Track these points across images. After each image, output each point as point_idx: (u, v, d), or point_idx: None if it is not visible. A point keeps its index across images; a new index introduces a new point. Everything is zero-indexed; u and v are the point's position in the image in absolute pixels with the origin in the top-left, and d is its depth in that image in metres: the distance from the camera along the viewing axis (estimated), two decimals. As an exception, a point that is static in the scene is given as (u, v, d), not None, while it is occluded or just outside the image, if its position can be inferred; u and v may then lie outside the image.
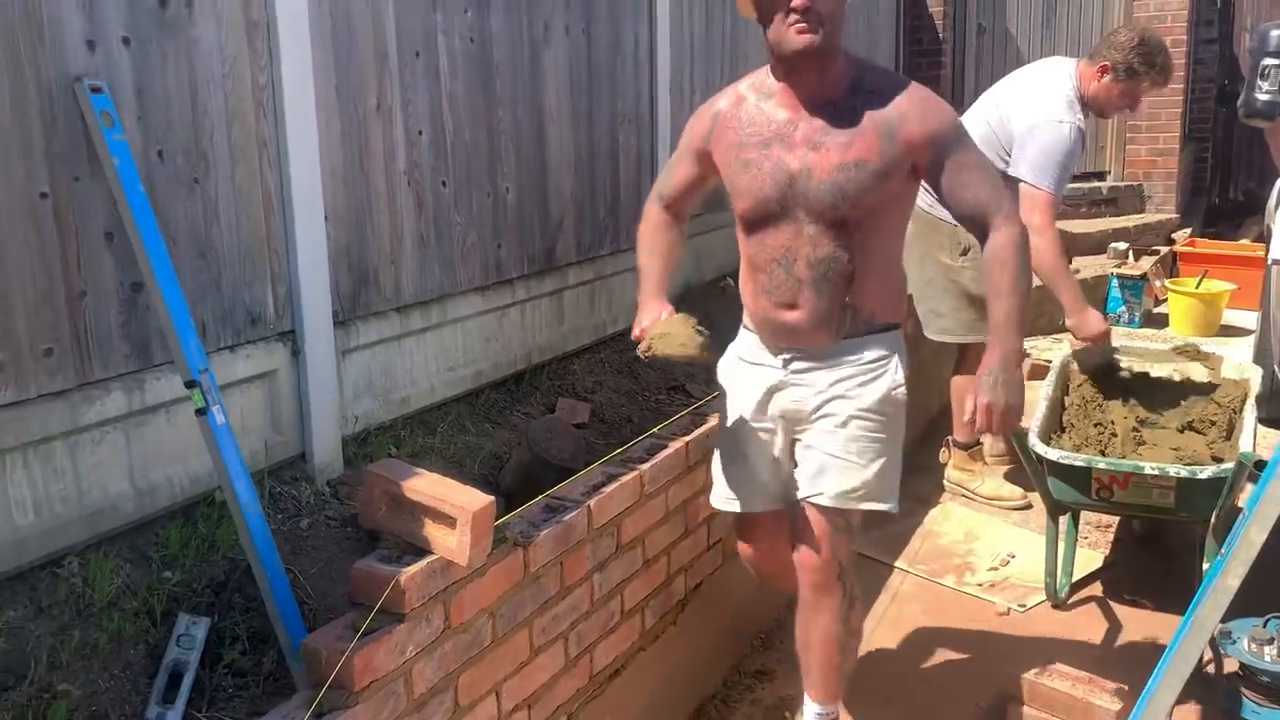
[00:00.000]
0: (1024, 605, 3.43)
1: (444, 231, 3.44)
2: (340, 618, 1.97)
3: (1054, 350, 6.18)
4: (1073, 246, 6.96)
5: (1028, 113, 3.79)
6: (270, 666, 2.37)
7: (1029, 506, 4.12)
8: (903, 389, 2.44)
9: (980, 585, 3.57)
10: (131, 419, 2.43)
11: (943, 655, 3.18)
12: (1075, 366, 3.93)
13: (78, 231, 2.28)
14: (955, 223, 3.90)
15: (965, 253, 3.96)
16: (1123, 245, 7.10)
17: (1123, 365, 3.92)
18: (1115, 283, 6.58)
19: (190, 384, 2.30)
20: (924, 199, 3.99)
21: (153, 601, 2.36)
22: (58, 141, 2.23)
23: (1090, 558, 3.68)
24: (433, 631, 1.98)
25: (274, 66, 2.71)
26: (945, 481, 4.32)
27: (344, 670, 1.79)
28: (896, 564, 3.73)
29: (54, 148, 2.22)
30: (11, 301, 2.17)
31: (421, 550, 2.00)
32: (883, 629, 3.33)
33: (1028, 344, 6.21)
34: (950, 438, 4.33)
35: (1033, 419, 3.44)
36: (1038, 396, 3.62)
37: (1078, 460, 3.16)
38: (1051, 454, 3.20)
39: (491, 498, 2.02)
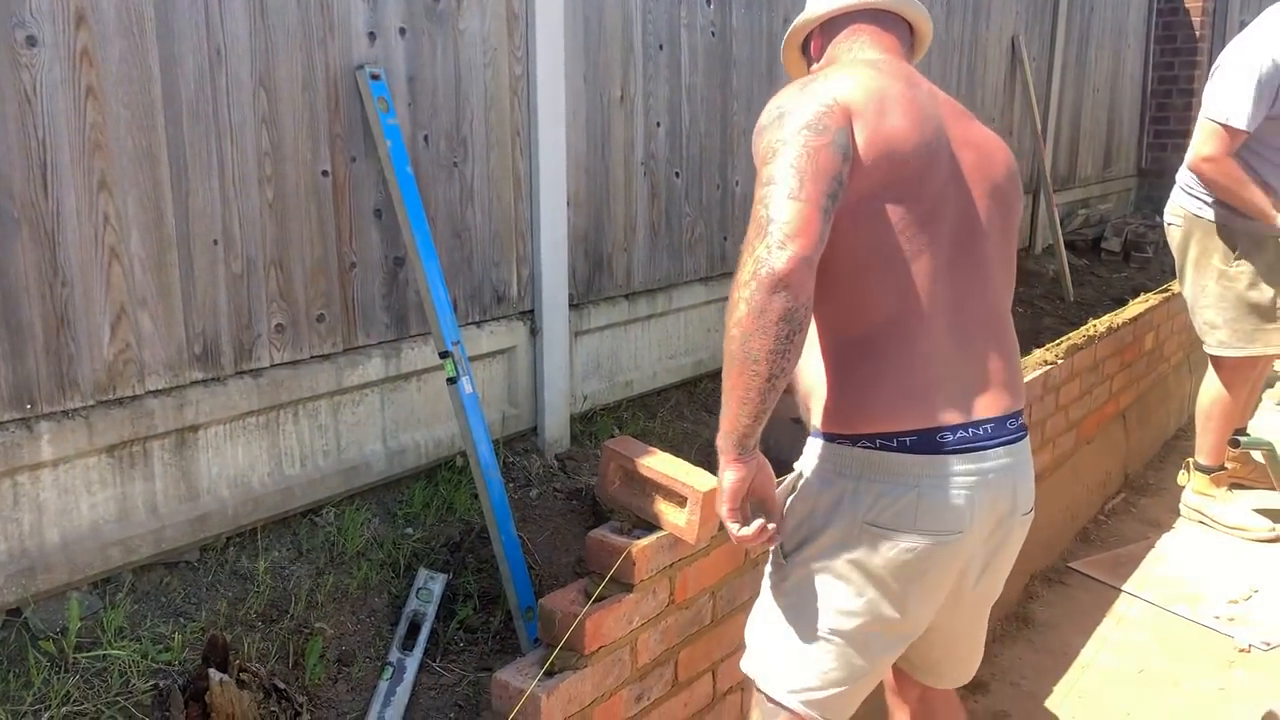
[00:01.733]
0: (1269, 644, 3.19)
1: (674, 222, 3.51)
2: (571, 584, 2.06)
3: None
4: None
5: (1223, 56, 3.61)
6: (497, 626, 2.50)
7: (1279, 539, 3.82)
8: (787, 529, 1.71)
9: (1218, 618, 3.35)
10: (387, 384, 2.62)
11: (1172, 688, 3.00)
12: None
13: (351, 208, 2.47)
14: (1228, 223, 3.71)
15: (1240, 257, 3.71)
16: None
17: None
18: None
19: (444, 354, 2.45)
20: (1190, 202, 3.77)
21: (396, 555, 2.54)
22: (339, 124, 2.42)
23: (1347, 600, 3.38)
24: (658, 604, 2.04)
25: (530, 57, 2.84)
26: (1182, 506, 4.06)
27: (576, 633, 1.87)
28: (1124, 588, 3.54)
29: (336, 129, 2.42)
30: (293, 269, 2.38)
31: (651, 525, 2.06)
32: (1106, 654, 3.17)
33: None
34: (1192, 459, 4.07)
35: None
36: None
37: (1342, 492, 2.92)
38: (1311, 483, 2.96)
39: (721, 481, 2.06)
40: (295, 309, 2.40)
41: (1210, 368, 3.94)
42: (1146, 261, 6.52)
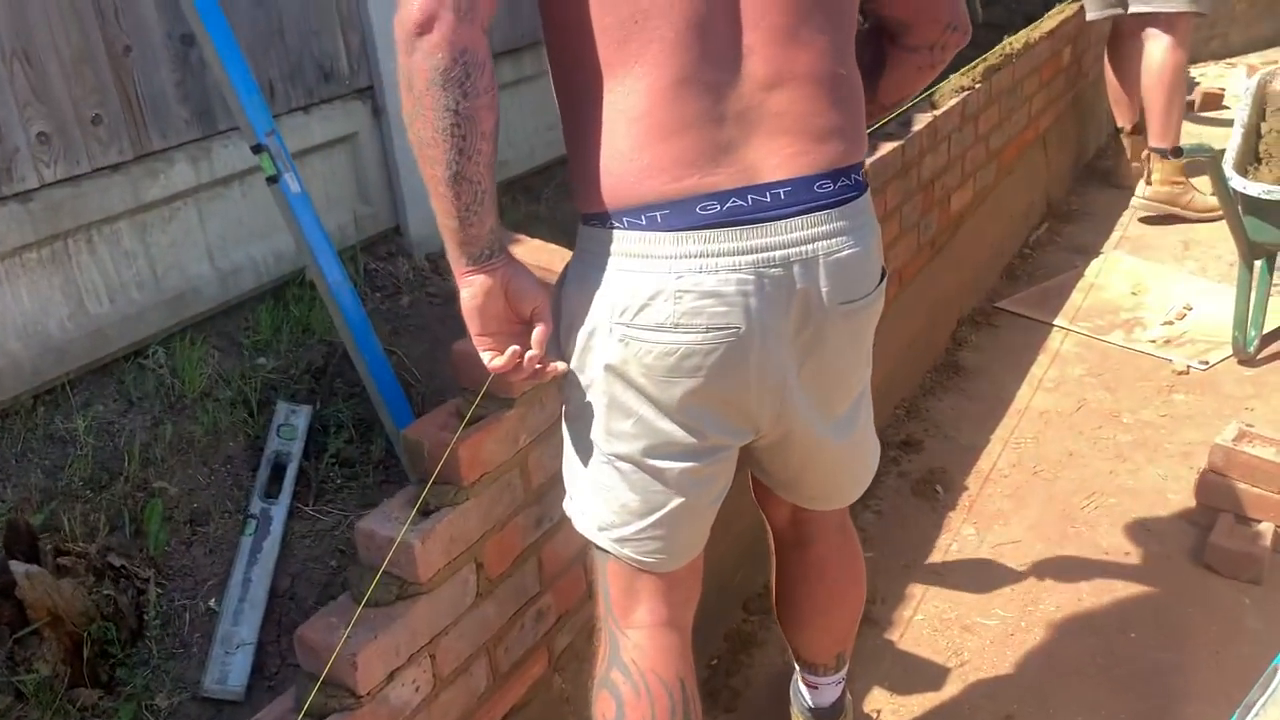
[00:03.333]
0: (1206, 362, 3.04)
1: (533, -33, 3.00)
2: (445, 404, 1.74)
3: (1227, 77, 5.46)
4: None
5: None
6: (379, 454, 2.21)
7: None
8: (571, 334, 1.33)
9: (1154, 341, 3.19)
10: (202, 193, 2.19)
11: (1115, 420, 2.85)
12: (1275, 88, 3.35)
13: (109, -25, 1.97)
14: None
15: None
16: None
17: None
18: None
19: (257, 148, 2.01)
20: None
21: (248, 391, 2.19)
22: None
23: (1282, 308, 3.23)
24: (548, 416, 1.73)
25: None
26: (1143, 202, 3.84)
27: (450, 464, 1.56)
28: (1055, 321, 3.35)
29: None
30: (46, 62, 1.90)
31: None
32: (1042, 395, 3.00)
33: (1196, 71, 5.49)
34: (1151, 149, 3.83)
35: (1228, 147, 2.94)
36: (1232, 126, 3.10)
37: (1284, 194, 2.69)
38: (1251, 188, 2.72)
39: (604, 262, 1.72)
40: (60, 112, 1.93)
41: (1165, 38, 3.72)
42: (1055, -27, 6.09)
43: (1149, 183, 3.87)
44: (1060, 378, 3.08)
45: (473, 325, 1.25)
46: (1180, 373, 3.02)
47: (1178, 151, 2.61)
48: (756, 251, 1.21)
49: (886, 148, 2.75)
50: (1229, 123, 4.53)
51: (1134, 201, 3.93)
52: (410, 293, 2.57)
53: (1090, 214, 4.12)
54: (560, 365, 1.30)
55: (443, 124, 1.10)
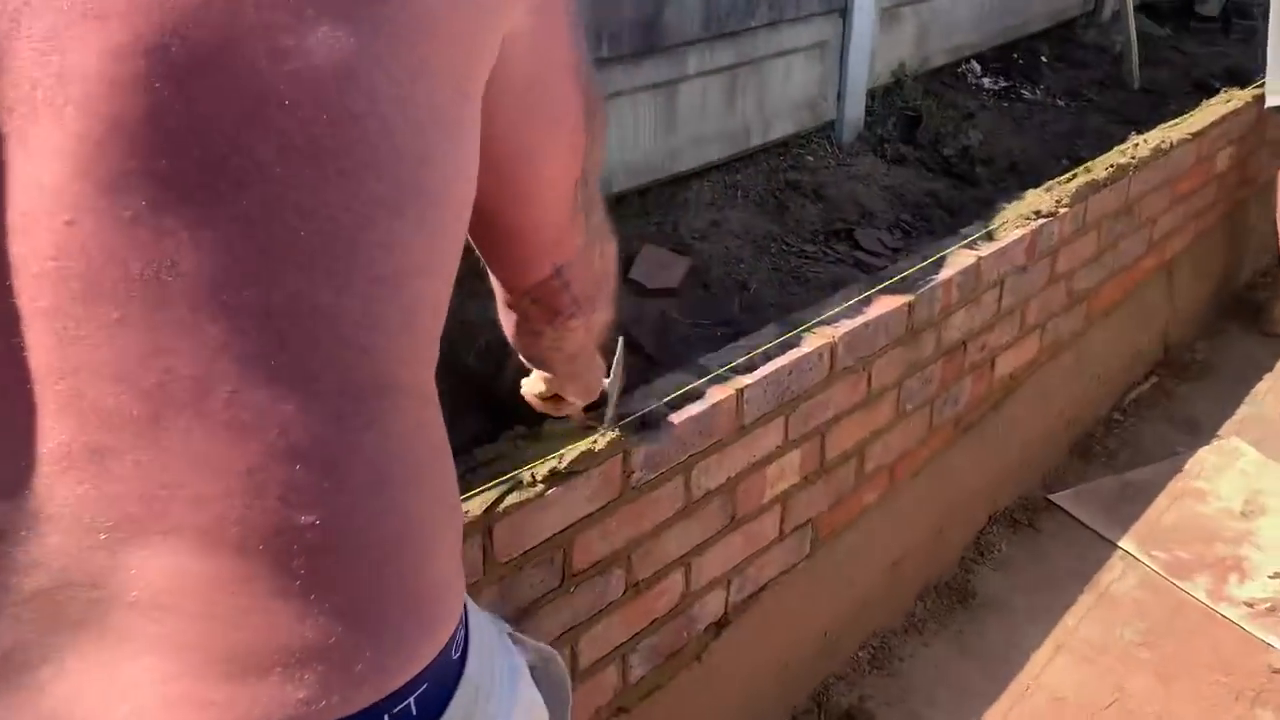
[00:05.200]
0: (1319, 661, 2.14)
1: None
2: None
3: None
4: None
5: None
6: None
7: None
8: None
9: (1251, 606, 2.28)
10: None
11: (1157, 733, 2.00)
12: None
13: None
14: None
15: None
16: None
17: None
18: None
19: None
20: None
21: None
22: None
23: None
24: None
25: None
26: None
27: None
28: (1120, 542, 2.47)
29: None
30: None
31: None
32: (1066, 661, 2.15)
33: None
34: None
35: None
36: None
37: None
38: None
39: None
40: None
41: None
42: (1252, 32, 4.96)
43: None
44: (1102, 641, 2.22)
45: None
46: (1276, 671, 2.13)
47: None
48: None
49: (887, 305, 1.94)
50: None
51: None
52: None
53: (1217, 370, 3.17)
54: None
55: None
